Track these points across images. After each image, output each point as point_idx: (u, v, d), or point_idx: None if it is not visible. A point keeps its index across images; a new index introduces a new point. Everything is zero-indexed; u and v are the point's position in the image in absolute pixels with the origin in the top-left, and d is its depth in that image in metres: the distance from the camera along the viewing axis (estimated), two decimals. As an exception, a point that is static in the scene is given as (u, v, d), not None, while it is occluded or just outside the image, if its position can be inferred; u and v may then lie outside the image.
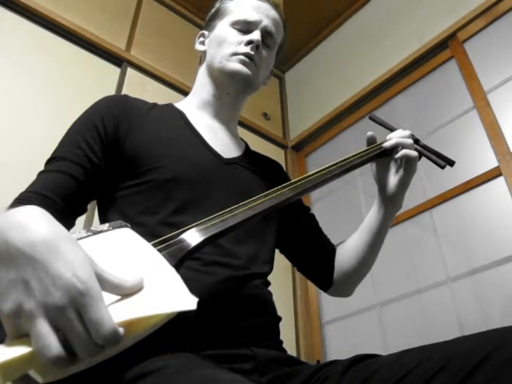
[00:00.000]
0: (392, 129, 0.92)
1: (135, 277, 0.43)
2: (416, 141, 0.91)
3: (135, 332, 0.41)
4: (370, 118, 0.98)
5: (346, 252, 0.89)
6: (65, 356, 0.36)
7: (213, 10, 0.95)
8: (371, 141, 0.88)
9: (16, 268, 0.38)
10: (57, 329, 0.37)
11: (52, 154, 0.73)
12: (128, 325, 0.40)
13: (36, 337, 0.36)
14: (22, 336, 0.38)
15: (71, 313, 0.37)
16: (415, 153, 0.83)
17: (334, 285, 0.90)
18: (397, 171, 0.84)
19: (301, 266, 0.94)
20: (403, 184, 0.84)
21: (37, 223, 0.41)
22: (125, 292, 0.42)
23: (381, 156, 0.86)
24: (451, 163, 0.89)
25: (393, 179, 0.84)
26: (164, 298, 0.44)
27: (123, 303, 0.42)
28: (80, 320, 0.37)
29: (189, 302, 0.43)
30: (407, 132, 0.87)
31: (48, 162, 0.72)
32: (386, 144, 0.85)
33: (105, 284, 0.40)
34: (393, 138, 0.85)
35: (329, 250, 0.91)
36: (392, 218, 0.87)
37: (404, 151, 0.82)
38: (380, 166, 0.87)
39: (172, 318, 0.43)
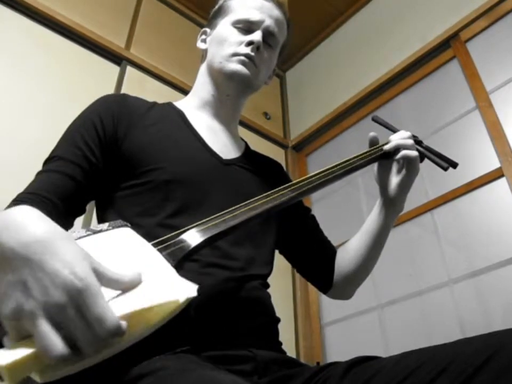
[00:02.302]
0: (394, 131, 0.92)
1: (133, 272, 0.44)
2: (419, 143, 0.91)
3: (136, 327, 0.41)
4: (373, 120, 0.97)
5: (347, 254, 0.88)
6: (70, 353, 0.36)
7: (216, 7, 0.94)
8: (373, 141, 0.87)
9: (13, 270, 0.38)
10: (59, 327, 0.37)
11: (50, 153, 0.72)
12: (130, 317, 0.40)
13: (39, 337, 0.36)
14: (25, 337, 0.38)
15: (72, 311, 0.37)
16: (415, 153, 0.82)
17: (333, 287, 0.89)
18: (398, 172, 0.84)
19: (301, 268, 0.93)
20: (405, 185, 0.83)
21: (30, 223, 0.41)
22: (124, 286, 0.42)
23: (382, 158, 0.85)
24: (454, 165, 0.88)
25: (394, 180, 0.84)
26: (164, 289, 0.44)
27: (123, 297, 0.42)
28: (81, 317, 0.37)
29: (189, 290, 0.43)
30: (408, 133, 0.87)
31: (47, 161, 0.71)
32: (387, 147, 0.85)
33: (103, 278, 0.41)
34: (393, 140, 0.85)
35: (330, 252, 0.91)
36: (393, 220, 0.87)
37: (404, 152, 0.82)
38: (382, 168, 0.86)
39: (172, 318, 0.43)
